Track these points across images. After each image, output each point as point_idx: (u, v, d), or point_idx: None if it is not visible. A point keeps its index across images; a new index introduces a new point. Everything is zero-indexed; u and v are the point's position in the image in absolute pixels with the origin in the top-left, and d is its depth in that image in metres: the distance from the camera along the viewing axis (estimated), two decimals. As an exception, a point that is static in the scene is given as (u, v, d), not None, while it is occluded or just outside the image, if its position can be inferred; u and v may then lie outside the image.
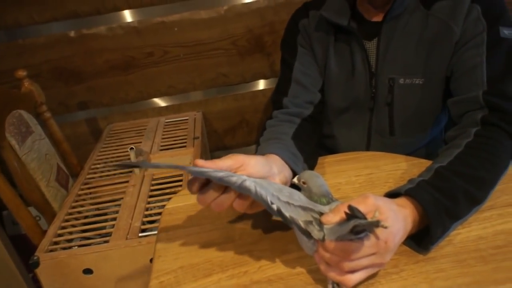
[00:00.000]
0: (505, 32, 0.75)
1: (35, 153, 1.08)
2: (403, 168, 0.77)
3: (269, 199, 0.52)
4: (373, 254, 0.50)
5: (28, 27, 1.35)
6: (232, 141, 1.61)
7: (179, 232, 0.68)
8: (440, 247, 0.58)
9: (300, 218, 0.52)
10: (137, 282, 0.92)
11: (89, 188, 1.13)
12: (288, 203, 0.53)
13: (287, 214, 0.52)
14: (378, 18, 0.84)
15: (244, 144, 1.62)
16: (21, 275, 1.31)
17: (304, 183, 0.57)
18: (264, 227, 0.66)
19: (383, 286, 0.53)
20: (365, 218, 0.45)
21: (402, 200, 0.57)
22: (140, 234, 0.90)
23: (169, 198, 0.78)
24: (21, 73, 1.15)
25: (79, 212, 1.05)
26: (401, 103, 0.86)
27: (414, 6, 0.81)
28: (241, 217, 0.70)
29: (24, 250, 1.54)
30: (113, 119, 1.53)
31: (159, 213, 0.94)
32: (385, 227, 0.46)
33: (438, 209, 0.55)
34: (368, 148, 0.94)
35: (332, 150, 0.98)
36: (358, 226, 0.43)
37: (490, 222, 0.61)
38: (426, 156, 0.80)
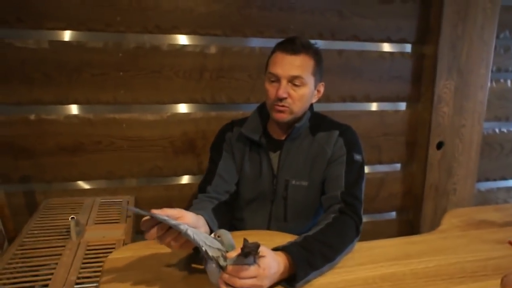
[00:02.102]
0: (357, 156, 1.16)
1: (-16, 212, 1.22)
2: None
3: (201, 243, 0.79)
4: (255, 277, 0.77)
5: (-9, 106, 1.56)
6: (157, 225, 1.82)
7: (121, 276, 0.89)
8: None
9: (216, 254, 0.79)
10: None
11: (24, 249, 1.25)
12: (210, 246, 0.81)
13: (210, 253, 0.79)
14: (281, 137, 1.23)
15: (167, 229, 1.83)
16: None
17: (218, 236, 0.86)
18: (187, 270, 0.91)
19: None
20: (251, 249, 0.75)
21: (279, 253, 0.87)
22: (75, 286, 1.06)
23: (103, 260, 0.98)
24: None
25: (10, 269, 1.16)
26: (292, 198, 1.21)
27: (306, 133, 1.21)
28: (169, 265, 0.93)
29: None
30: (51, 194, 1.67)
31: (94, 270, 1.12)
32: (263, 256, 0.76)
33: (302, 259, 0.86)
34: (268, 229, 1.25)
35: (241, 230, 1.27)
36: (245, 247, 0.72)
37: (339, 274, 0.92)
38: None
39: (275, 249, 0.88)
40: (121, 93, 1.66)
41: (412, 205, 2.19)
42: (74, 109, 1.65)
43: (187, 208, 1.10)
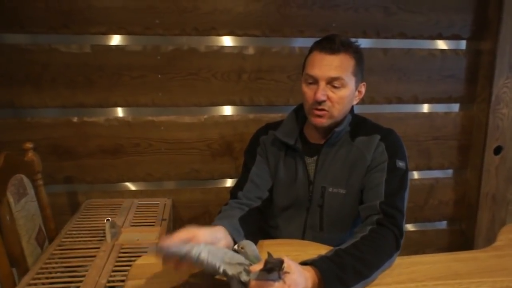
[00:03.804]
0: (400, 163, 1.07)
1: (25, 212, 1.26)
2: (322, 253, 1.01)
3: (217, 264, 0.74)
4: None
5: (39, 109, 1.62)
6: (194, 228, 1.81)
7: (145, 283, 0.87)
8: (335, 306, 0.80)
9: (236, 271, 0.74)
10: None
11: (62, 249, 1.28)
12: (230, 263, 0.75)
13: (230, 272, 0.74)
14: (319, 141, 1.16)
15: (204, 232, 1.82)
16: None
17: (242, 248, 0.81)
18: (212, 281, 0.87)
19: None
20: (277, 266, 0.69)
21: (307, 267, 0.80)
22: (105, 289, 1.06)
23: None
24: (28, 145, 1.38)
25: (49, 269, 1.19)
26: (329, 206, 1.13)
27: (345, 138, 1.13)
28: (195, 275, 0.90)
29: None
30: (92, 195, 1.72)
31: (124, 274, 1.12)
32: (288, 272, 0.70)
33: (331, 274, 0.79)
34: (303, 239, 1.18)
35: (275, 238, 1.22)
36: (268, 263, 0.67)
37: (375, 293, 0.84)
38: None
39: (304, 263, 0.82)
40: (159, 96, 1.67)
41: (466, 214, 2.02)
42: (114, 111, 1.68)
43: (218, 214, 1.06)
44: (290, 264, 0.73)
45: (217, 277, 0.87)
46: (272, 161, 1.19)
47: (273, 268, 0.69)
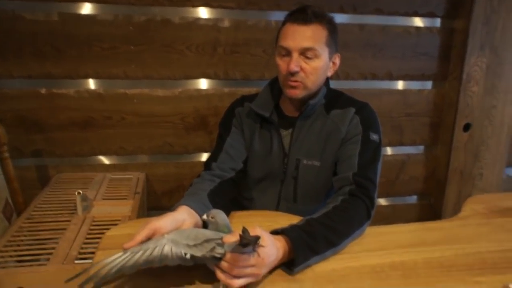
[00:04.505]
0: (373, 136, 1.08)
1: (-10, 184, 1.22)
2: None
3: (183, 252, 0.73)
4: (253, 265, 0.72)
5: (3, 80, 1.55)
6: (168, 203, 1.80)
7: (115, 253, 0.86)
8: (304, 273, 0.81)
9: (206, 250, 0.73)
10: (64, 306, 1.03)
11: (31, 222, 1.25)
12: (195, 245, 0.75)
13: (198, 254, 0.73)
14: (294, 114, 1.16)
15: (178, 206, 1.81)
16: None
17: (212, 217, 0.81)
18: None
19: (261, 294, 0.75)
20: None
21: (278, 237, 0.81)
22: (75, 261, 1.04)
23: None
24: (-9, 115, 1.32)
25: (17, 242, 1.17)
26: (303, 178, 1.14)
27: (320, 110, 1.13)
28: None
29: None
30: (63, 169, 1.68)
31: (95, 247, 1.10)
32: (263, 246, 0.71)
33: (301, 243, 0.80)
34: (277, 211, 1.19)
35: (249, 210, 1.22)
36: (244, 239, 0.67)
37: (343, 260, 0.86)
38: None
39: (275, 232, 0.83)
40: (131, 68, 1.62)
41: (435, 189, 2.09)
42: (85, 83, 1.62)
43: (188, 187, 1.05)
44: (263, 236, 0.74)
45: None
46: (247, 133, 1.18)
47: (249, 243, 0.69)
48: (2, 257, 1.09)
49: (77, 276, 0.72)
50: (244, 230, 0.70)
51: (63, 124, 1.63)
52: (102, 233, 1.17)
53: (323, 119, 1.13)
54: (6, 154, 1.37)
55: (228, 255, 0.70)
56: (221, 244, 0.73)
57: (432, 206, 2.12)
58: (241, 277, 0.72)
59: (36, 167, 1.66)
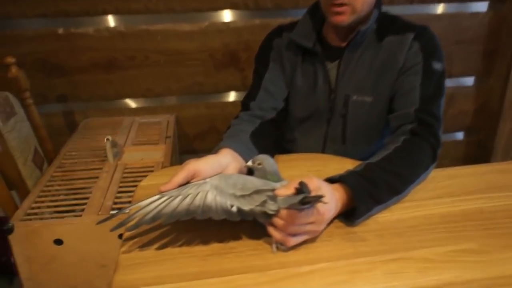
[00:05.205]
0: (436, 65, 0.93)
1: (16, 133, 1.15)
2: (347, 168, 0.91)
3: (228, 203, 0.64)
4: (312, 223, 0.63)
5: (17, 20, 1.43)
6: (201, 145, 1.72)
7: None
8: (366, 224, 0.71)
9: (256, 203, 0.63)
10: (103, 256, 1.00)
11: (63, 171, 1.20)
12: (243, 196, 0.65)
13: (246, 208, 0.63)
14: (340, 44, 1.00)
15: (212, 149, 1.71)
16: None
17: (259, 164, 0.71)
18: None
19: (318, 249, 0.66)
20: (310, 193, 0.59)
21: (336, 186, 0.70)
22: (111, 212, 0.99)
23: None
24: (10, 59, 1.23)
25: (52, 191, 1.12)
26: (353, 116, 1.01)
27: (371, 38, 0.97)
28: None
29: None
30: (89, 114, 1.60)
31: (130, 196, 1.04)
32: (325, 203, 0.61)
33: (363, 192, 0.70)
34: (323, 153, 1.08)
35: (292, 153, 1.12)
36: (306, 198, 0.57)
37: (409, 209, 0.76)
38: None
39: (330, 180, 0.72)
40: (152, 1, 1.47)
41: (486, 125, 1.92)
42: (104, 20, 1.49)
43: (226, 130, 0.95)
44: (321, 188, 0.63)
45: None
46: (288, 67, 1.04)
47: (309, 202, 0.58)
48: (38, 207, 1.05)
49: (109, 218, 0.66)
50: (303, 185, 0.59)
51: (85, 66, 1.53)
52: (136, 181, 1.12)
53: (375, 48, 0.97)
54: (30, 101, 1.30)
55: (284, 212, 0.61)
56: (273, 198, 0.63)
57: (480, 143, 1.97)
58: (297, 235, 0.63)
59: (62, 113, 1.59)
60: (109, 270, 1.01)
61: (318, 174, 0.89)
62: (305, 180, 0.62)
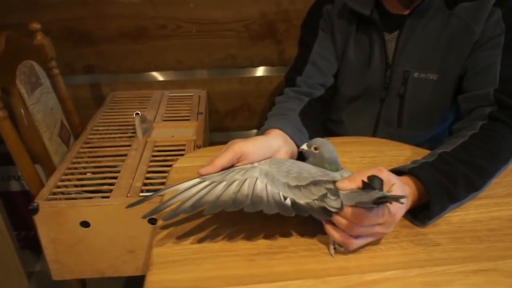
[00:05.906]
0: (521, 37, 0.78)
1: (42, 105, 1.08)
2: (406, 155, 0.80)
3: (281, 194, 0.53)
4: (381, 224, 0.52)
5: (44, -16, 1.35)
6: (232, 123, 1.63)
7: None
8: (437, 225, 0.61)
9: (313, 197, 0.53)
10: (131, 241, 0.93)
11: (90, 148, 1.13)
12: (298, 186, 0.54)
13: (301, 202, 0.53)
14: (402, 11, 0.87)
15: (244, 128, 1.63)
16: (7, 231, 1.31)
17: (316, 148, 0.60)
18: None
19: (384, 253, 0.56)
20: (382, 189, 0.48)
21: (405, 179, 0.60)
22: (141, 194, 0.91)
23: (171, 165, 0.79)
24: (35, 25, 1.15)
25: (78, 169, 1.06)
26: (413, 96, 0.89)
27: (439, 4, 0.83)
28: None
29: (10, 209, 1.53)
30: (117, 87, 1.52)
31: (161, 177, 0.96)
32: (402, 203, 0.50)
33: (439, 188, 0.59)
34: (374, 136, 0.96)
35: (338, 135, 1.01)
36: (383, 198, 0.46)
37: (486, 208, 0.65)
38: (429, 151, 0.84)
39: (398, 171, 0.61)
40: (185, -36, 1.35)
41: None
42: (133, -15, 1.39)
43: (269, 109, 0.84)
44: (392, 181, 0.53)
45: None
46: (340, 38, 0.92)
47: (385, 201, 0.48)
48: (65, 186, 0.98)
49: (140, 202, 0.57)
50: (376, 180, 0.49)
51: (113, 35, 1.43)
52: (166, 161, 1.04)
53: (444, 16, 0.83)
54: (56, 71, 1.22)
55: (349, 211, 0.50)
56: (335, 192, 0.53)
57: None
58: (361, 237, 0.53)
59: (89, 84, 1.51)
60: (137, 255, 0.95)
61: (373, 161, 0.79)
62: (374, 172, 0.52)
